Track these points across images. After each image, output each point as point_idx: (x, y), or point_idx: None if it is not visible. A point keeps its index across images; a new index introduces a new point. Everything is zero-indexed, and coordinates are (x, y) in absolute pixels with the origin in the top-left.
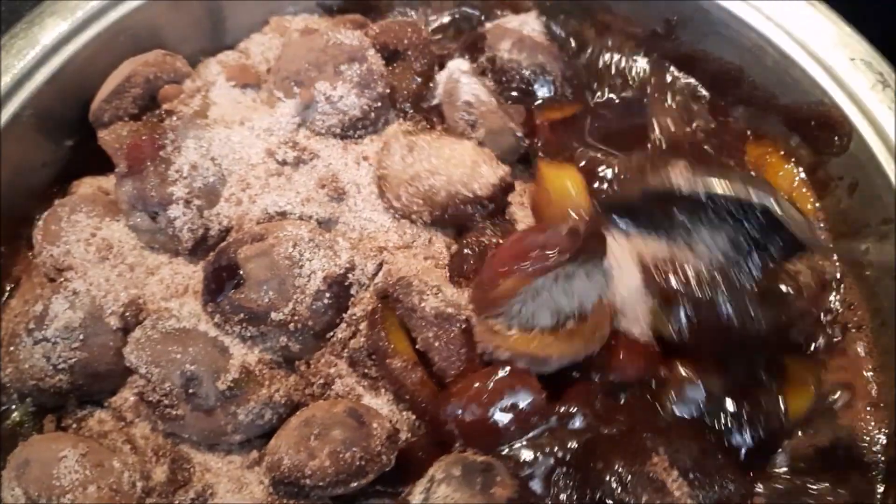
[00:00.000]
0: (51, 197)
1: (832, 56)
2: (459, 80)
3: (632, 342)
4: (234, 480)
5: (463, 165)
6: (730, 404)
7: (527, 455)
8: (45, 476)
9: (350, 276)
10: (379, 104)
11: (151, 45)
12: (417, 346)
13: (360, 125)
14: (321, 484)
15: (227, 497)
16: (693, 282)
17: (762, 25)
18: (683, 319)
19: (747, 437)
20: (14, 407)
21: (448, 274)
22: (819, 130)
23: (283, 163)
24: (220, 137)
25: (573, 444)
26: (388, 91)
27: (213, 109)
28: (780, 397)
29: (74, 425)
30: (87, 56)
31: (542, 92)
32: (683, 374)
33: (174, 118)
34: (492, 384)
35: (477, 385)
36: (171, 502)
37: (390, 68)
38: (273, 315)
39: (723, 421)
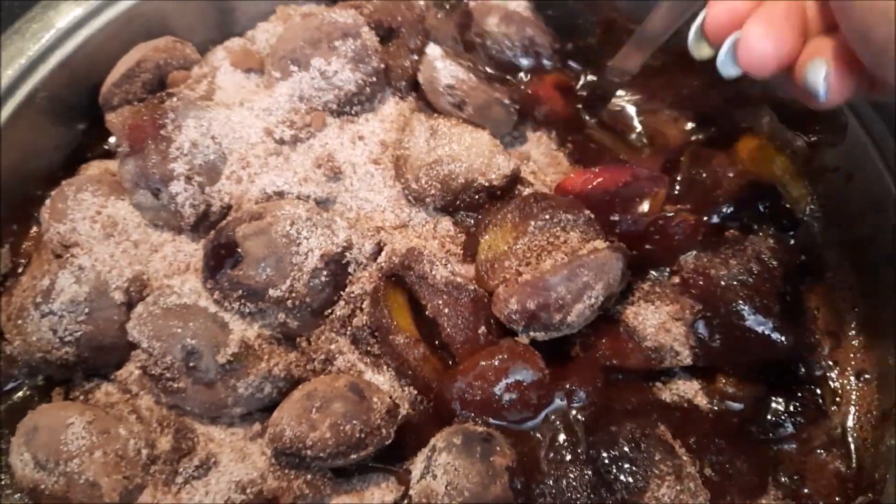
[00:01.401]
0: (62, 179)
1: None
2: (435, 66)
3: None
4: (237, 451)
5: (482, 155)
6: (771, 405)
7: (534, 429)
8: (53, 442)
9: (347, 254)
10: (374, 79)
11: (162, 32)
12: (427, 313)
13: (356, 100)
14: (321, 455)
15: (230, 466)
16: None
17: None
18: (709, 332)
19: (788, 428)
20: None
21: (461, 252)
22: (815, 122)
23: (281, 141)
24: (221, 117)
25: (580, 417)
26: (382, 66)
27: (219, 93)
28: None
29: (82, 397)
30: (100, 41)
31: (533, 65)
32: (728, 391)
33: (174, 99)
34: (496, 362)
35: (483, 363)
36: (176, 469)
37: (386, 47)
38: (271, 292)
39: (764, 422)
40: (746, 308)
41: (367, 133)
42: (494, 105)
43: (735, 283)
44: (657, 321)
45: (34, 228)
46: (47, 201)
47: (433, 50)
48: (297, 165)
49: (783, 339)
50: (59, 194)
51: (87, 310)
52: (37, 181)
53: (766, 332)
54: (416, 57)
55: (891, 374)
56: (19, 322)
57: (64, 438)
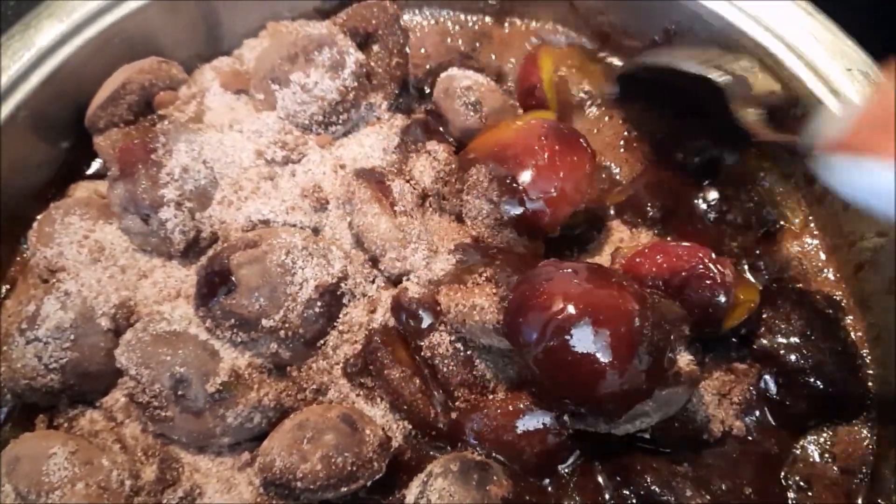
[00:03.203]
0: (47, 198)
1: (829, 66)
2: (454, 74)
3: None
4: (224, 481)
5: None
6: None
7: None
8: (34, 473)
9: (343, 285)
10: (355, 84)
11: (147, 48)
12: (423, 354)
13: (341, 108)
14: (312, 487)
15: (215, 497)
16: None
17: (760, 35)
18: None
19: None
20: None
21: None
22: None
23: (272, 161)
24: (212, 141)
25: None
26: (363, 69)
27: (208, 115)
28: None
29: (66, 424)
30: (83, 59)
31: None
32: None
33: (166, 122)
34: (523, 405)
35: (511, 406)
36: (160, 501)
37: (367, 51)
38: (264, 322)
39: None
40: (811, 364)
41: (348, 160)
42: (510, 113)
43: (799, 339)
44: (710, 397)
45: (20, 246)
46: (34, 224)
47: (451, 70)
48: (285, 194)
49: (845, 391)
50: (47, 218)
51: (72, 336)
52: (22, 201)
53: (831, 388)
54: (399, 59)
55: (892, 403)
56: (4, 348)
57: (46, 469)
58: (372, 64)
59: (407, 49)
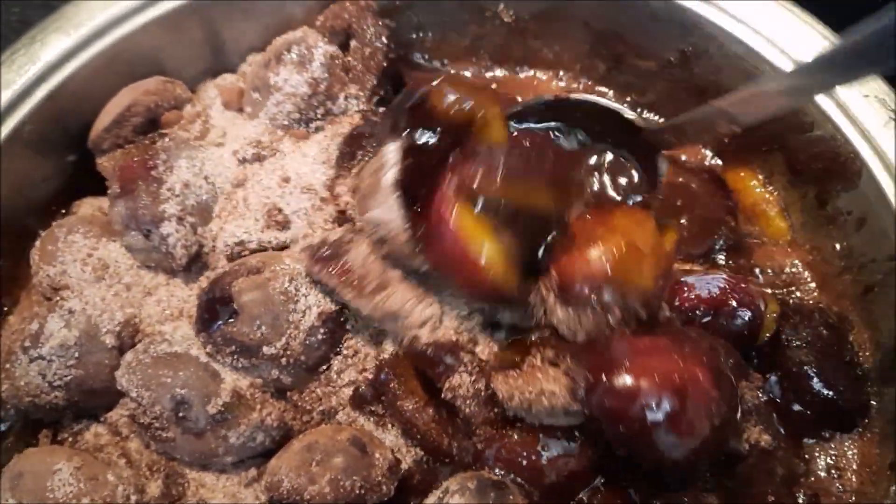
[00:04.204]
0: (52, 212)
1: (846, 92)
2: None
3: None
4: (230, 497)
5: None
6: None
7: None
8: (39, 488)
9: (346, 310)
10: (326, 75)
11: (151, 65)
12: (443, 396)
13: (316, 102)
14: None
15: None
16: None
17: (777, 60)
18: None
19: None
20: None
21: None
22: (829, 166)
23: (244, 161)
24: (213, 157)
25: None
26: (335, 61)
27: (213, 132)
28: None
29: (70, 439)
30: (89, 73)
31: None
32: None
33: (167, 139)
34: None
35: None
36: None
37: (348, 48)
38: (265, 349)
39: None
40: (817, 373)
41: (292, 174)
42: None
43: (808, 349)
44: None
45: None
46: (37, 242)
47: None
48: (256, 213)
49: (852, 401)
50: (50, 236)
51: (76, 354)
52: (27, 215)
53: (835, 397)
54: (372, 49)
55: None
56: (8, 366)
57: (50, 485)
58: (350, 59)
59: (384, 39)
